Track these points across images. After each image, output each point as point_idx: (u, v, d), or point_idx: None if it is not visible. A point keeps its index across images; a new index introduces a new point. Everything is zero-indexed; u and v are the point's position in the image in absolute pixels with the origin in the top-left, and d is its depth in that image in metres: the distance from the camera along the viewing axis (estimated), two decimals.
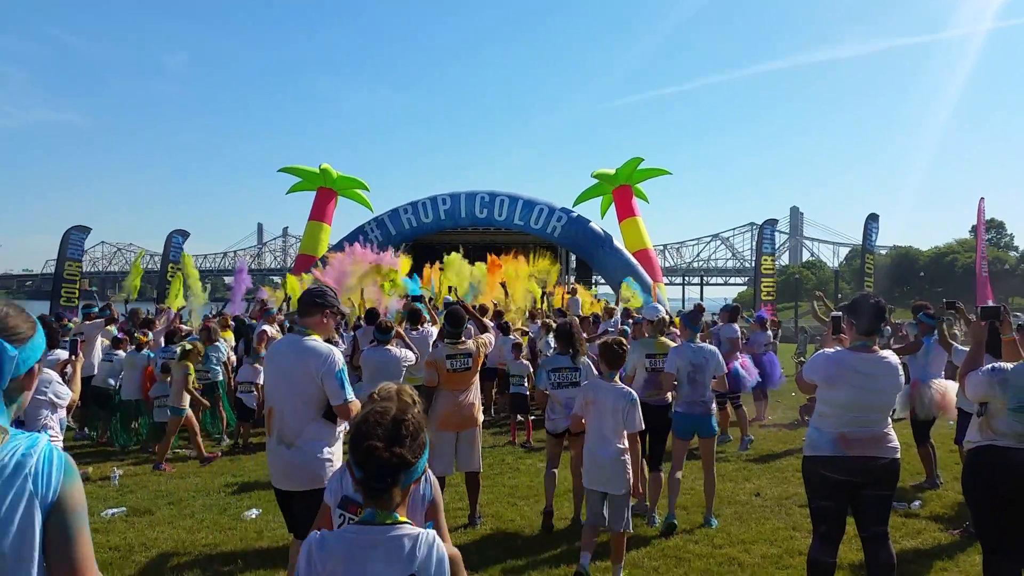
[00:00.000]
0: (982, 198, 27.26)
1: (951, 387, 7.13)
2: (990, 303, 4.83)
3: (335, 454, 4.12)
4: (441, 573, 1.88)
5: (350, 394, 4.07)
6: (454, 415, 6.07)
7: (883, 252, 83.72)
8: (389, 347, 6.72)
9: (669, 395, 6.46)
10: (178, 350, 9.11)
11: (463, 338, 6.29)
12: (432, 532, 1.96)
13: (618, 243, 23.48)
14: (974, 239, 39.38)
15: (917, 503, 6.76)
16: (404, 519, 1.93)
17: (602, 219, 25.50)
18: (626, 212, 24.47)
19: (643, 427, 5.11)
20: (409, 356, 6.85)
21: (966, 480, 4.28)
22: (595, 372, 6.40)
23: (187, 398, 8.76)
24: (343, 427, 4.19)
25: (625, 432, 4.99)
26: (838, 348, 4.35)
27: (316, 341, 4.16)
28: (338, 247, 20.19)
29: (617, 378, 5.25)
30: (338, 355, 4.16)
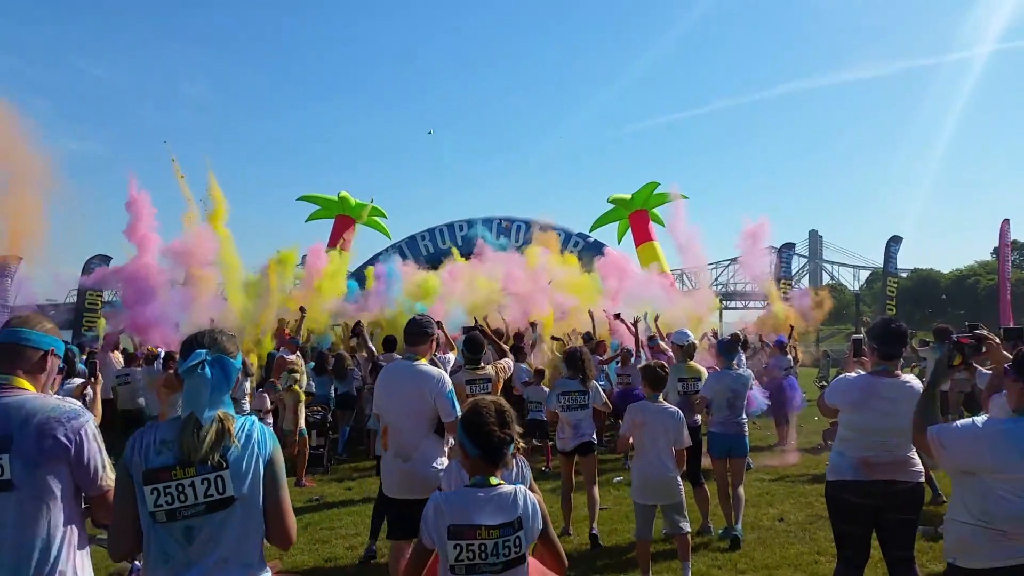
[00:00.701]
0: (1006, 220, 26.79)
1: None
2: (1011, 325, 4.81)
3: (444, 464, 4.57)
4: (536, 513, 2.62)
5: (459, 411, 4.48)
6: None
7: (903, 275, 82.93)
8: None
9: (699, 417, 6.78)
10: (282, 383, 9.53)
11: (482, 363, 6.38)
12: (523, 487, 2.69)
13: (635, 267, 23.44)
14: (995, 261, 38.83)
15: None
16: (501, 481, 2.63)
17: (619, 244, 25.48)
18: (643, 237, 24.44)
19: (691, 443, 5.55)
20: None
21: None
22: (603, 396, 6.80)
23: (301, 419, 9.17)
24: (451, 442, 4.64)
25: (673, 449, 5.31)
26: (860, 372, 4.35)
27: (426, 365, 4.73)
28: (357, 274, 20.31)
29: (661, 398, 5.50)
30: (447, 377, 4.74)
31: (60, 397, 2.64)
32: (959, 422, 3.11)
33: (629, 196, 24.82)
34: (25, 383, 2.58)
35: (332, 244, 24.81)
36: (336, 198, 24.78)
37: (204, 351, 2.42)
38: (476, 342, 6.40)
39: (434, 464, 4.57)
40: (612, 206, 25.24)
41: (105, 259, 24.03)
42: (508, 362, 6.71)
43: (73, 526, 2.51)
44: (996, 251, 39.94)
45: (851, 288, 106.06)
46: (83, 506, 2.60)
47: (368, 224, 25.45)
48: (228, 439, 2.36)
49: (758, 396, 9.91)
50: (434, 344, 4.97)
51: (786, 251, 28.52)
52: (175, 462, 2.31)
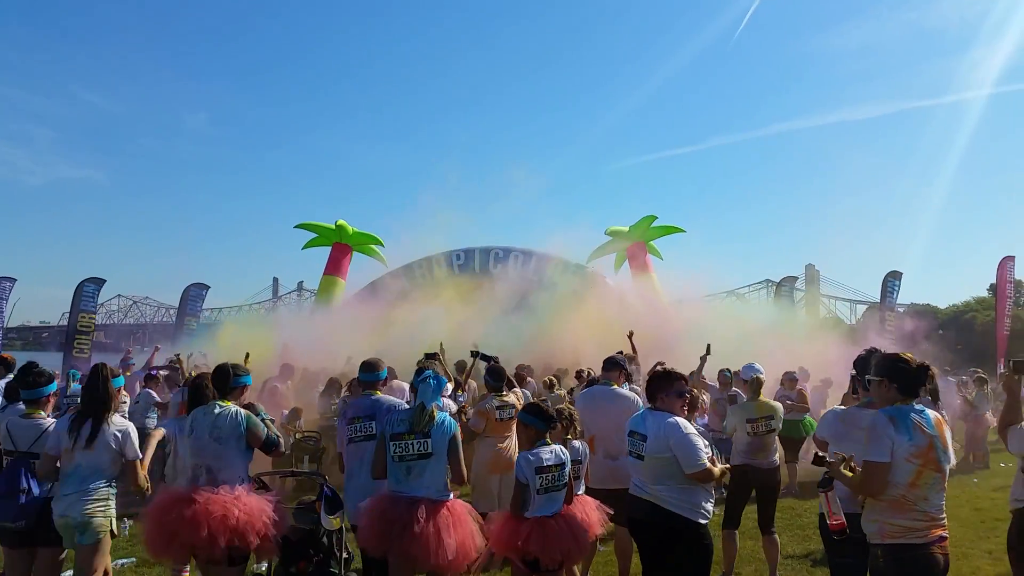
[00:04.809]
0: (1009, 256, 26.88)
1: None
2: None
3: None
4: (568, 459, 4.56)
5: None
6: (500, 460, 6.57)
7: (900, 310, 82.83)
8: (446, 399, 6.99)
9: (776, 457, 6.55)
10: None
11: (504, 391, 6.83)
12: (559, 446, 4.58)
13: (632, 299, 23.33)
14: (992, 297, 38.85)
15: None
16: (551, 443, 4.53)
17: (616, 274, 25.45)
18: (640, 269, 24.42)
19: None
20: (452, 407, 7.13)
21: (1011, 539, 4.16)
22: None
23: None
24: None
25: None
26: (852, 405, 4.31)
27: (622, 389, 5.99)
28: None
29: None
30: (639, 398, 5.86)
31: (391, 398, 5.11)
32: None
33: (626, 229, 24.78)
34: (378, 392, 5.09)
35: (329, 271, 24.81)
36: (333, 226, 24.75)
37: (431, 371, 4.48)
38: (499, 372, 6.91)
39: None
40: (609, 238, 25.18)
41: (98, 281, 23.91)
42: (519, 391, 7.38)
43: None
44: (992, 288, 40.05)
45: (848, 322, 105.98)
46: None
47: (365, 252, 25.42)
48: (432, 421, 4.35)
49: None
50: (624, 374, 6.21)
51: (786, 284, 28.49)
52: (406, 431, 4.34)
